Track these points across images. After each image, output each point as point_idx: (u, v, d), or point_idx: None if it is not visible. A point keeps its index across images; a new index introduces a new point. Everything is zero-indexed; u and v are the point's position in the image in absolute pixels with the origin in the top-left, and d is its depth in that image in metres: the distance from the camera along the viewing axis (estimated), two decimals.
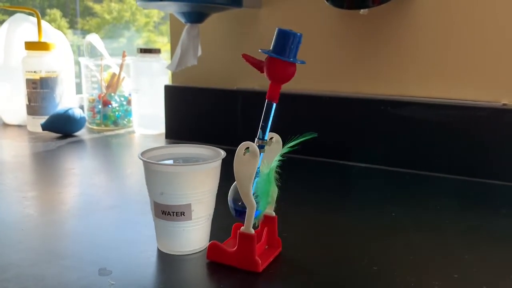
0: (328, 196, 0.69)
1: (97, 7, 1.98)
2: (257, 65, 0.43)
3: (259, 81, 0.95)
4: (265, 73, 0.43)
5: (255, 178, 0.44)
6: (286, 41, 0.41)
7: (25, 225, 0.56)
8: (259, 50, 0.43)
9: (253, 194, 0.44)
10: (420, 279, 0.44)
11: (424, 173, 0.79)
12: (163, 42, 1.83)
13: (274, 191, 0.46)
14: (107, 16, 1.99)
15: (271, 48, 0.42)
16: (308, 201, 0.66)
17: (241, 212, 0.46)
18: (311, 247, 0.51)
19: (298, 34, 0.41)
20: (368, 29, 0.83)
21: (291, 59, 0.42)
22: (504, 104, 0.75)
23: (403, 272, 0.45)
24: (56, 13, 1.96)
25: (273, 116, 0.44)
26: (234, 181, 0.43)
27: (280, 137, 0.47)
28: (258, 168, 0.44)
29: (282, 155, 0.45)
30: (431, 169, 0.79)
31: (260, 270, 0.44)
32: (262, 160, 0.45)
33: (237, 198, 0.45)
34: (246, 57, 0.43)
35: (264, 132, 0.44)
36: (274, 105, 0.44)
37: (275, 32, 0.41)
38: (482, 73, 0.76)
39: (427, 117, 0.78)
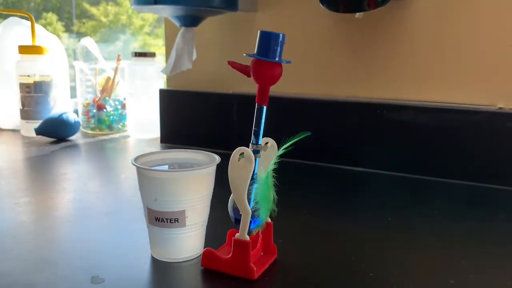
0: (323, 201, 0.69)
1: (93, 10, 1.97)
2: (243, 70, 0.43)
3: (255, 85, 0.94)
4: (252, 76, 0.43)
5: (253, 185, 0.43)
6: (269, 43, 0.41)
7: (17, 232, 0.55)
8: (244, 55, 0.43)
9: (254, 202, 0.43)
10: (416, 285, 0.43)
11: (420, 177, 0.79)
12: (158, 45, 1.83)
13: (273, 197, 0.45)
14: (103, 19, 1.98)
15: (255, 51, 0.42)
16: (304, 207, 0.66)
17: (238, 220, 0.45)
18: (307, 254, 0.50)
19: (281, 34, 0.41)
20: (364, 32, 0.83)
21: (277, 59, 0.41)
22: (500, 108, 0.74)
23: (399, 278, 0.45)
24: (52, 16, 1.96)
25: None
26: (229, 186, 0.43)
27: (276, 141, 0.46)
28: (255, 174, 0.44)
29: (278, 157, 0.45)
30: (427, 173, 0.78)
31: (255, 278, 0.43)
32: (258, 165, 0.44)
33: (237, 207, 0.45)
34: (232, 64, 0.43)
35: (257, 137, 0.44)
36: (265, 108, 0.44)
37: (258, 35, 0.41)
38: (478, 76, 0.76)
39: (423, 121, 0.78)
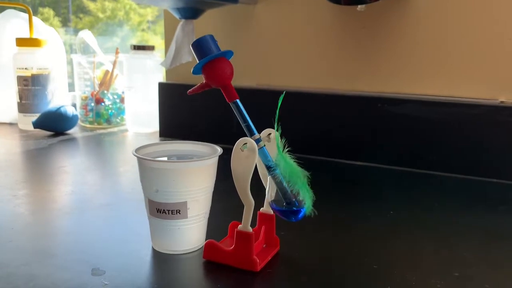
0: (325, 194, 0.68)
1: (91, 5, 1.96)
2: (203, 85, 0.44)
3: (255, 79, 0.94)
4: (210, 83, 0.43)
5: (274, 171, 0.42)
6: (202, 47, 0.42)
7: (15, 223, 0.54)
8: (192, 72, 0.43)
9: (286, 183, 0.42)
10: (420, 278, 0.43)
11: (421, 171, 0.78)
12: (156, 42, 1.82)
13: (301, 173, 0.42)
14: (100, 15, 1.97)
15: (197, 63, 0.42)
16: None
17: (286, 212, 0.44)
18: (309, 246, 0.50)
19: (207, 35, 0.42)
20: (365, 26, 0.83)
21: (217, 54, 0.42)
22: (501, 102, 0.74)
23: (403, 271, 0.44)
24: (49, 11, 1.94)
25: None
26: (231, 178, 0.42)
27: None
28: (271, 161, 0.43)
29: (281, 142, 0.44)
30: (429, 167, 0.78)
31: (258, 270, 0.43)
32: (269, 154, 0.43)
33: (277, 199, 0.44)
34: (191, 91, 0.45)
35: (250, 130, 0.43)
36: (238, 101, 0.44)
37: (192, 48, 0.42)
38: (480, 70, 0.75)
39: (424, 115, 0.78)
